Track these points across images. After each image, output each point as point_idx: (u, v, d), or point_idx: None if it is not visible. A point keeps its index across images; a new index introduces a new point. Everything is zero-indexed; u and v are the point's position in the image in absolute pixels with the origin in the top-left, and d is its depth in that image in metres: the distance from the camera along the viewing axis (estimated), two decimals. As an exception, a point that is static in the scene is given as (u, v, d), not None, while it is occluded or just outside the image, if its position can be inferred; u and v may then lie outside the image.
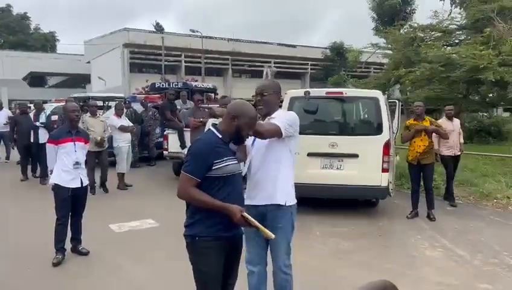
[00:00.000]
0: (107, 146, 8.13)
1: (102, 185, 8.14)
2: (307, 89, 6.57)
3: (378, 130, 6.31)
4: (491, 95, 16.04)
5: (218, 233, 2.49)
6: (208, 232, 2.47)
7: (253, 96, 3.15)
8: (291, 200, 3.05)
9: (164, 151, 9.58)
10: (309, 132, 5.96)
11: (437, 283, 4.13)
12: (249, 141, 2.97)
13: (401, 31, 17.33)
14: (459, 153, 7.49)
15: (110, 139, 8.40)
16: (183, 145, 8.81)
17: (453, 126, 7.31)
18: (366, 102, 6.77)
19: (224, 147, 2.53)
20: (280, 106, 3.47)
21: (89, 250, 4.83)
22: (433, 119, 6.60)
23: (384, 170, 6.19)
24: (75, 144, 4.68)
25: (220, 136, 2.54)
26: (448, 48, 15.02)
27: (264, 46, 37.53)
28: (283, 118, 3.01)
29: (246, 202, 2.85)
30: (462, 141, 7.59)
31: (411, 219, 6.42)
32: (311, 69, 39.45)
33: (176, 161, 9.30)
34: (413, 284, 4.06)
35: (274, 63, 31.90)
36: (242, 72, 38.89)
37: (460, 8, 19.55)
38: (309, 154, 6.22)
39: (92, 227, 5.25)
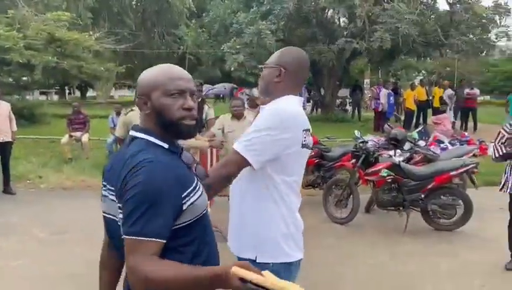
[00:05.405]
0: None
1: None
2: None
3: None
4: (25, 78, 16.12)
5: None
6: None
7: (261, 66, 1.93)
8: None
9: None
10: None
11: None
12: None
13: None
14: (9, 140, 6.77)
15: None
16: None
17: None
18: None
19: (183, 164, 1.34)
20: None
21: None
22: None
23: None
24: None
25: (167, 146, 1.31)
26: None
27: None
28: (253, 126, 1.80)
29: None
30: (14, 128, 6.93)
31: None
32: None
33: None
34: None
35: None
36: None
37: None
38: None
39: None
